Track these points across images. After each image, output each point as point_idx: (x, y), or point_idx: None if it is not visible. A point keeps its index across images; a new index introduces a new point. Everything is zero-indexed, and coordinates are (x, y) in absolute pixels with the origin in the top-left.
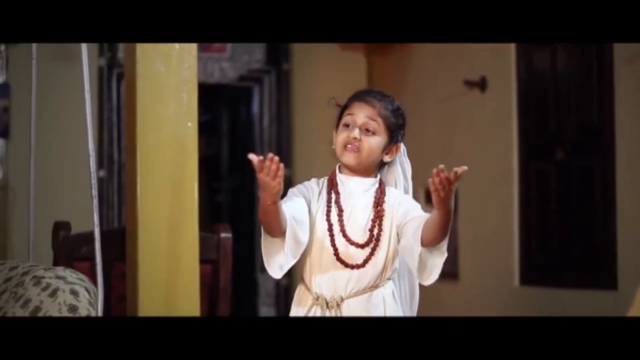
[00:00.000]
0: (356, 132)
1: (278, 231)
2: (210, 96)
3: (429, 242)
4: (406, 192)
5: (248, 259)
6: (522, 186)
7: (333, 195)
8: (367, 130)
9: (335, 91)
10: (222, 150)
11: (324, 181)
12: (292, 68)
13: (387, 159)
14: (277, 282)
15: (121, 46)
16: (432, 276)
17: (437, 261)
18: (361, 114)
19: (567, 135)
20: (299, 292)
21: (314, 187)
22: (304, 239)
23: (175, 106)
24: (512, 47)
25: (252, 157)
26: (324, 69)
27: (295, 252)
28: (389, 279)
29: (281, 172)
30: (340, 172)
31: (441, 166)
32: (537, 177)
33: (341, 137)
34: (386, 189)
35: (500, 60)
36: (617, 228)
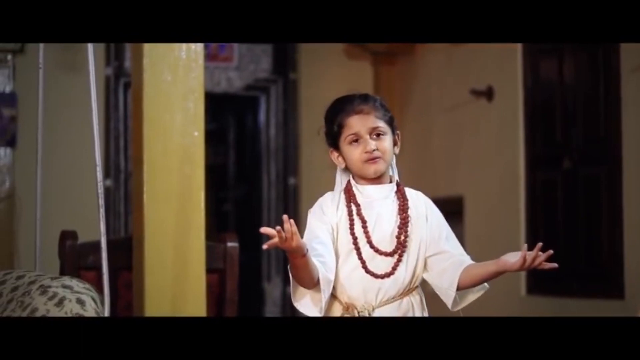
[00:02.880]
0: (372, 145)
1: (310, 283)
2: (217, 105)
3: (466, 287)
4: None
5: (255, 268)
6: (529, 195)
7: (353, 208)
8: (378, 135)
9: None
10: (228, 159)
11: (340, 193)
12: (299, 77)
13: (396, 150)
14: (284, 292)
15: (128, 55)
16: (464, 305)
17: (476, 295)
18: (363, 126)
19: (574, 144)
20: None
21: (329, 204)
22: (333, 277)
23: (182, 115)
24: (518, 56)
25: (265, 229)
26: (330, 79)
27: (329, 296)
28: (417, 287)
29: (294, 229)
30: (356, 182)
31: (550, 252)
32: (543, 186)
33: (355, 154)
34: (406, 191)
35: (506, 70)
36: (624, 237)
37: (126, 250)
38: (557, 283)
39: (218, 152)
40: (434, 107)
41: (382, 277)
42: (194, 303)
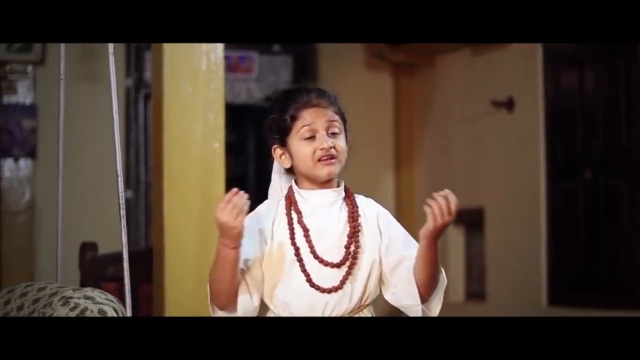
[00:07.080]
0: (329, 142)
1: (228, 295)
2: (237, 117)
3: (425, 283)
4: None
5: None
6: (550, 206)
7: (294, 216)
8: (334, 133)
9: (361, 112)
10: (248, 171)
11: (280, 202)
12: None
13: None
14: None
15: (148, 67)
16: (436, 314)
17: (440, 298)
18: (320, 120)
19: (595, 154)
20: None
21: (271, 211)
22: (258, 303)
23: (202, 127)
24: (539, 67)
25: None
26: (350, 90)
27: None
28: (368, 305)
29: (245, 208)
30: (299, 187)
31: (446, 191)
32: (564, 197)
33: (308, 151)
34: (356, 198)
35: (527, 80)
36: None
37: (146, 262)
38: (578, 294)
39: (238, 164)
40: (454, 118)
41: (329, 291)
42: None
